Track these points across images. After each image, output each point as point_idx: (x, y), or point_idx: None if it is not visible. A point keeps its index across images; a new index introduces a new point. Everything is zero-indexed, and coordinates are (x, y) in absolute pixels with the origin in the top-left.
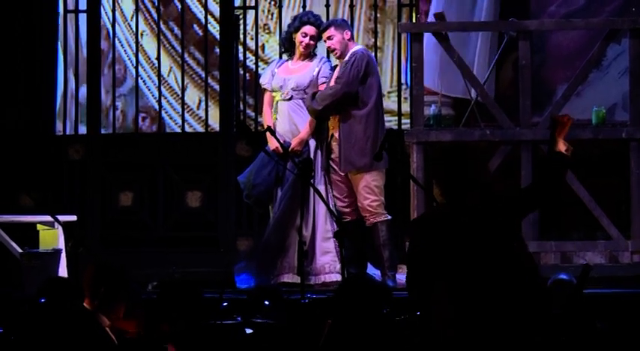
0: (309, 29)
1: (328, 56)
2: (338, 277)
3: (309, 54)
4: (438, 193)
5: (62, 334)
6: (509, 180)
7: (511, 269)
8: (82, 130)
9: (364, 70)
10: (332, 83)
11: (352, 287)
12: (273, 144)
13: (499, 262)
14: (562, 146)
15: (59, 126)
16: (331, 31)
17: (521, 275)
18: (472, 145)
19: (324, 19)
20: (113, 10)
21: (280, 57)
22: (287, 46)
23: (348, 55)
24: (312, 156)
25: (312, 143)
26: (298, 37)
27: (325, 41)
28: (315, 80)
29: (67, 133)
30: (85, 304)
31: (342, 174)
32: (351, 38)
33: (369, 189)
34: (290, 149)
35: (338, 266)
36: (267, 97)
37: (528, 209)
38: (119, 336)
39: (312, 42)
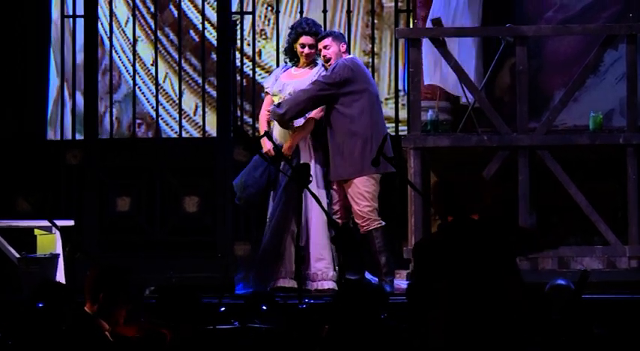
0: (305, 39)
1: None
2: (330, 285)
3: (313, 61)
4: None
5: (61, 338)
6: (506, 184)
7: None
8: (76, 136)
9: (345, 77)
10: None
11: (350, 292)
12: (266, 146)
13: (493, 283)
14: None
15: (50, 133)
16: (329, 41)
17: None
18: (469, 151)
19: (321, 24)
20: (110, 17)
21: (277, 63)
22: (291, 57)
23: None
24: (309, 160)
25: (308, 148)
26: (297, 48)
27: (321, 50)
28: None
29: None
30: (86, 309)
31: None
32: (346, 51)
33: (360, 195)
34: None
35: (331, 273)
36: (267, 100)
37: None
38: (120, 341)
39: (311, 50)
